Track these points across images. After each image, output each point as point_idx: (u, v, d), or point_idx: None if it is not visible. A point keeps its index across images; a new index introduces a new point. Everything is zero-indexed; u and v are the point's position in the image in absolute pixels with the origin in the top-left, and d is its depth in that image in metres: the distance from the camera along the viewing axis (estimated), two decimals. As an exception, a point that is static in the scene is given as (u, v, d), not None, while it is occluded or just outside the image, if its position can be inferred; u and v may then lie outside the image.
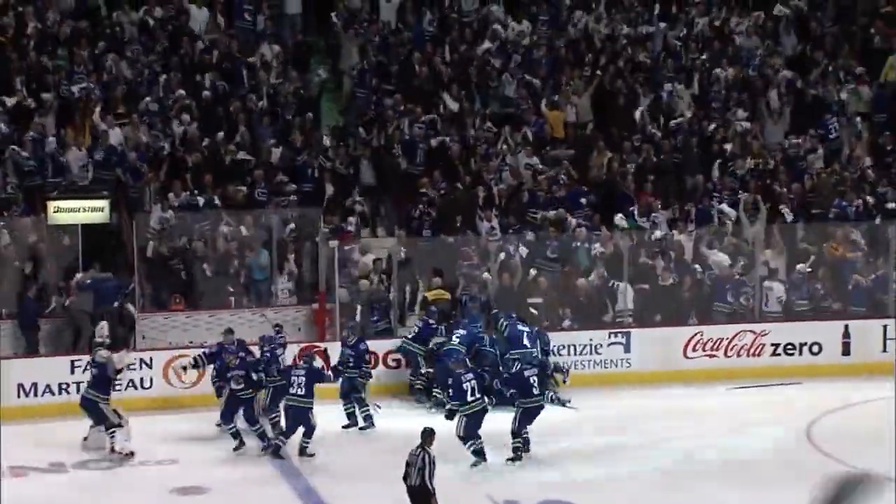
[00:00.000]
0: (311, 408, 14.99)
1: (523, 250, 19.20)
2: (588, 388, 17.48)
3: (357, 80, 22.35)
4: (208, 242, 18.84)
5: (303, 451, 15.03)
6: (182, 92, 20.94)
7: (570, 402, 16.73)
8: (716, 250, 19.55)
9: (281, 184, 19.95)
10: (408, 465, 11.50)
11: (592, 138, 21.92)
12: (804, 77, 23.44)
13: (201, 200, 19.33)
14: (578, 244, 19.42)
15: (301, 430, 14.97)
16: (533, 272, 18.93)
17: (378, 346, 17.84)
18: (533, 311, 18.25)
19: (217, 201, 19.37)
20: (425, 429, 11.79)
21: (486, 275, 18.66)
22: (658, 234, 19.73)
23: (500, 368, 16.06)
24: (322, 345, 17.72)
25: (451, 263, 18.98)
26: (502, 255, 19.06)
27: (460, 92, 22.12)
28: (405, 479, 11.51)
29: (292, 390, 14.97)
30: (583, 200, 20.42)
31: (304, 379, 14.91)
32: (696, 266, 19.38)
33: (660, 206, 20.40)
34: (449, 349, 16.55)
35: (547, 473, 14.34)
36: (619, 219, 19.93)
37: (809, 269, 19.42)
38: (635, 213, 20.12)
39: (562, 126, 22.04)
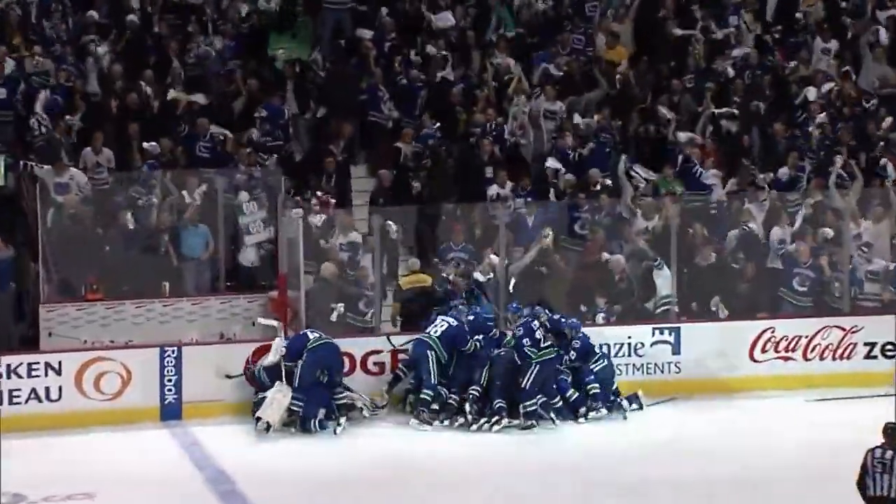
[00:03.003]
0: None
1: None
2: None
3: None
4: (135, 212, 18.54)
5: None
6: (95, 14, 20.98)
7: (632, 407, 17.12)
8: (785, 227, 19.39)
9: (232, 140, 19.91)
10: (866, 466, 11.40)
11: (635, 78, 21.98)
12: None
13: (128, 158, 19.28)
14: (601, 216, 19.20)
15: None
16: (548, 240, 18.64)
17: (355, 344, 17.38)
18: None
19: (148, 159, 19.26)
20: (888, 425, 11.46)
21: (492, 257, 18.37)
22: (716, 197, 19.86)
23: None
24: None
25: (444, 238, 18.90)
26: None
27: (463, 16, 22.30)
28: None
29: None
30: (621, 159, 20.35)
31: None
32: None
33: (715, 165, 20.48)
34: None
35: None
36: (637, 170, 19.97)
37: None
38: (699, 173, 20.19)
39: (595, 62, 22.21)
